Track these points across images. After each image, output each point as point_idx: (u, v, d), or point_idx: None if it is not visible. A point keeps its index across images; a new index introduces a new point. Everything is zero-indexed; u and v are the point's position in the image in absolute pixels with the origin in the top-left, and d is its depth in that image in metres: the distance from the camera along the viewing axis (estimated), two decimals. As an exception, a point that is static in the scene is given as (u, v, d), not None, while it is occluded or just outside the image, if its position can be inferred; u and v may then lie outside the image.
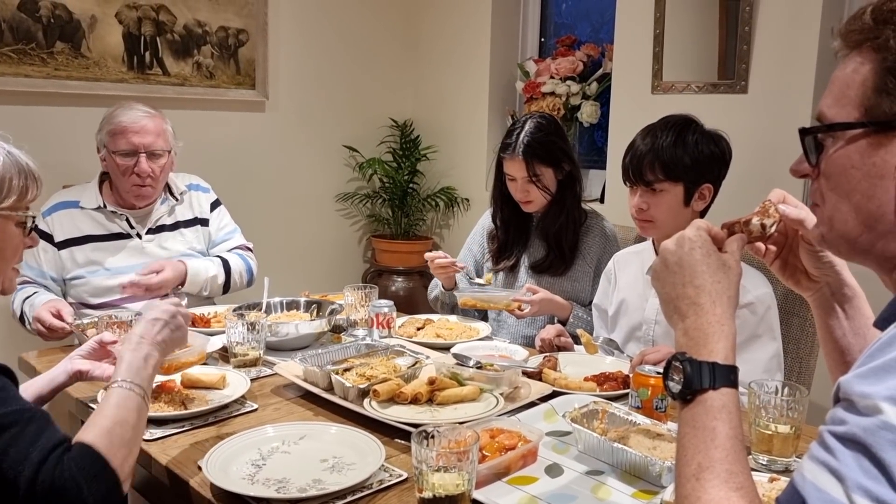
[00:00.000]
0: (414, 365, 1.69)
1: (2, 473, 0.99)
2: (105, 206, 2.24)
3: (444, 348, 1.95)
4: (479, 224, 2.46)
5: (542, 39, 3.55)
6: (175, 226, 2.34)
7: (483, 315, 2.36)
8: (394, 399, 1.52)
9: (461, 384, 1.58)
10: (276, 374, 1.72)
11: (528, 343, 2.18)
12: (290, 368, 1.70)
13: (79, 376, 1.44)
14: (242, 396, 1.58)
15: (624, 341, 1.96)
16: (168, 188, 2.37)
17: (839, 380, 0.71)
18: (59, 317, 1.94)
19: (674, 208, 1.78)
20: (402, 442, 1.37)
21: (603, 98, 3.20)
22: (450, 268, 2.22)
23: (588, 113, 3.13)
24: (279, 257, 3.31)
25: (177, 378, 1.65)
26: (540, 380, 1.70)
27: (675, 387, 0.83)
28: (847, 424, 0.68)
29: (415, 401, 1.51)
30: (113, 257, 2.23)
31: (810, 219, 0.96)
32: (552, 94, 3.18)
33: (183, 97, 2.95)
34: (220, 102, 3.09)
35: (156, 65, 2.92)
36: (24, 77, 2.61)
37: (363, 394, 1.53)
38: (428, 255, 2.24)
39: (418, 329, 2.14)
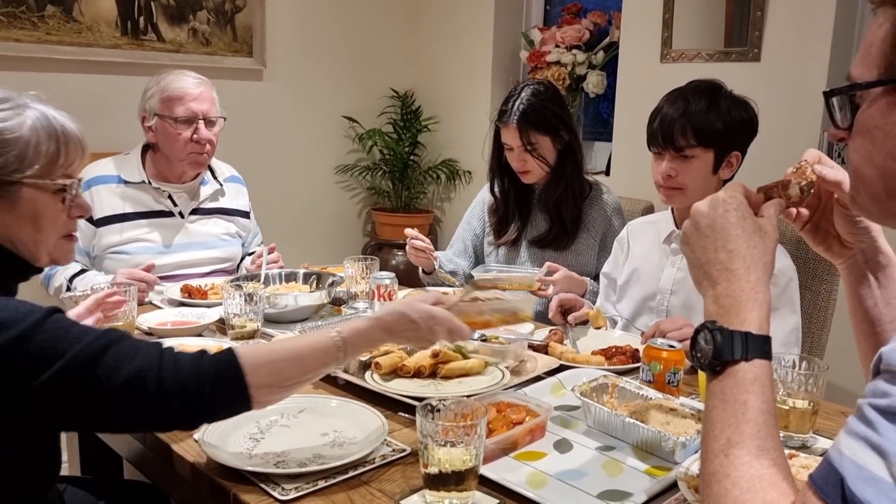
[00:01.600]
0: (417, 338, 1.64)
1: (129, 383, 0.97)
2: (149, 183, 2.21)
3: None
4: (479, 197, 2.41)
5: (548, 7, 3.46)
6: (218, 211, 2.34)
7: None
8: (396, 372, 1.48)
9: (465, 357, 1.54)
10: (274, 346, 1.67)
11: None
12: (289, 340, 1.65)
13: None
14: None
15: (634, 312, 1.91)
16: (211, 170, 2.36)
17: (881, 350, 0.66)
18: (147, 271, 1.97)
19: (703, 175, 1.73)
20: (406, 416, 1.32)
21: (609, 68, 3.13)
22: (423, 254, 2.14)
23: (594, 83, 3.06)
24: (277, 230, 3.23)
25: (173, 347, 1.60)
26: (546, 353, 1.65)
27: (705, 357, 0.78)
28: (891, 397, 0.63)
29: (418, 374, 1.47)
30: (157, 235, 2.21)
31: (847, 180, 0.91)
32: (557, 63, 3.10)
33: (178, 64, 2.86)
34: (217, 70, 3.00)
35: (150, 30, 2.84)
36: (14, 42, 2.53)
37: (365, 367, 1.49)
38: (409, 231, 2.17)
39: (420, 302, 2.08)
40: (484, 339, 1.62)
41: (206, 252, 2.30)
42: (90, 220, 2.17)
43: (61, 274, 2.15)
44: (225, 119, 2.26)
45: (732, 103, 1.72)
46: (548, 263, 2.05)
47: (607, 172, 3.03)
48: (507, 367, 1.52)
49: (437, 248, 3.67)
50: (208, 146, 2.20)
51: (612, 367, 1.57)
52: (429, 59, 3.67)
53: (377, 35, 3.57)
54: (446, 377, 1.47)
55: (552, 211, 2.22)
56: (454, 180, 3.60)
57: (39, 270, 1.23)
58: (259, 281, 2.02)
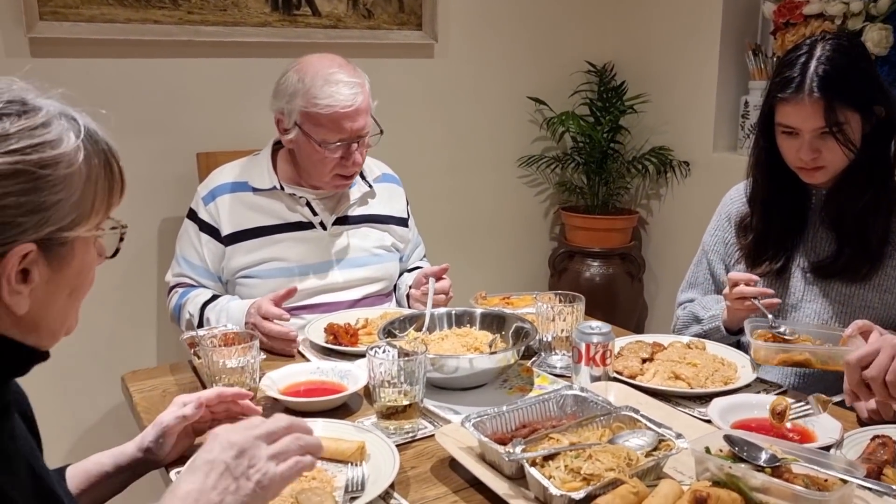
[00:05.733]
0: (657, 449, 1.05)
1: None
2: (282, 188, 1.81)
3: (689, 400, 1.28)
4: (723, 212, 1.73)
5: (801, -57, 2.68)
6: (367, 219, 1.91)
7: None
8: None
9: (748, 500, 0.93)
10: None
11: (805, 384, 1.47)
12: (457, 434, 1.14)
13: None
14: (390, 488, 1.04)
15: None
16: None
17: None
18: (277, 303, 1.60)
19: None
20: None
21: (893, 20, 2.31)
22: (752, 304, 1.49)
23: (875, 40, 2.25)
24: (446, 233, 2.83)
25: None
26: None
27: None
28: None
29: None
30: (293, 252, 1.80)
31: None
32: (819, 16, 2.33)
33: (336, 42, 2.48)
34: (380, 47, 2.60)
35: (304, 4, 2.46)
36: (152, 24, 2.21)
37: (575, 506, 0.92)
38: (734, 275, 1.54)
39: (644, 361, 1.46)
40: (776, 466, 0.98)
41: (355, 271, 1.85)
42: (218, 237, 1.79)
43: (192, 303, 1.77)
44: (382, 132, 1.83)
45: None
46: (858, 322, 1.33)
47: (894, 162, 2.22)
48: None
49: (643, 262, 3.05)
50: (355, 167, 1.79)
51: None
52: (635, 22, 3.06)
53: (570, -4, 3.04)
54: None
55: (848, 226, 1.52)
56: (666, 173, 2.95)
57: (44, 357, 0.83)
58: (421, 327, 1.51)
